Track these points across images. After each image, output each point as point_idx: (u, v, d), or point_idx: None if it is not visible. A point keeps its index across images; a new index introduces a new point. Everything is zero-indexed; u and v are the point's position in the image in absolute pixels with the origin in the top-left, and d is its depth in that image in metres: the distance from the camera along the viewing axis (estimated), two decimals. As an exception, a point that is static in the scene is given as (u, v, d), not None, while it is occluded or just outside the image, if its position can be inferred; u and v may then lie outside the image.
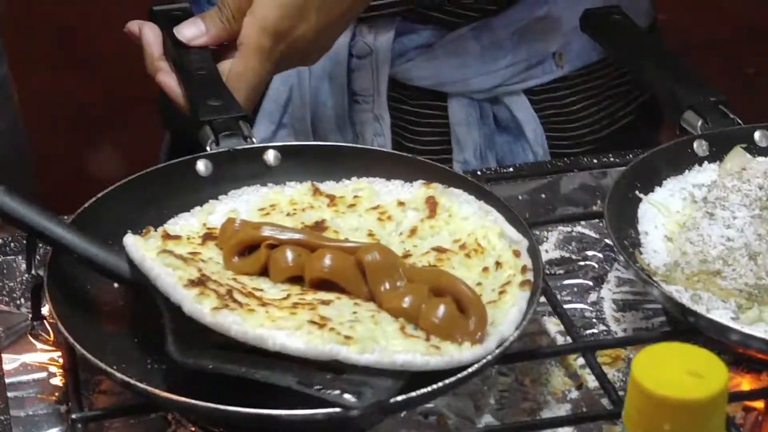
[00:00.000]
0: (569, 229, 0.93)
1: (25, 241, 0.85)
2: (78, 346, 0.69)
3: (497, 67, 1.09)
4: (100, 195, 0.82)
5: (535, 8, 1.08)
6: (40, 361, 0.79)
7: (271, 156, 0.87)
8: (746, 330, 0.74)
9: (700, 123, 0.92)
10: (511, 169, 0.99)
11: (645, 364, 0.55)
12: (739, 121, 0.93)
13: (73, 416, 0.70)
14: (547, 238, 0.93)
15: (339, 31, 0.92)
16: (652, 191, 0.88)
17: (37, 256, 0.85)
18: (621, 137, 1.17)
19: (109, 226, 0.80)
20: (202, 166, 0.85)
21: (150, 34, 0.95)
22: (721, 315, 0.76)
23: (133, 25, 0.96)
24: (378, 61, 1.09)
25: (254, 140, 0.87)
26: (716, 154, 0.91)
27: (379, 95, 1.09)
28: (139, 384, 0.67)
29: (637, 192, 0.87)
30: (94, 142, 2.49)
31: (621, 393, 0.75)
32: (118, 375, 0.67)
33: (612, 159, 0.99)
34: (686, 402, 0.54)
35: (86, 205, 0.81)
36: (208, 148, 0.86)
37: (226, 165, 0.85)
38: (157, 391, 0.67)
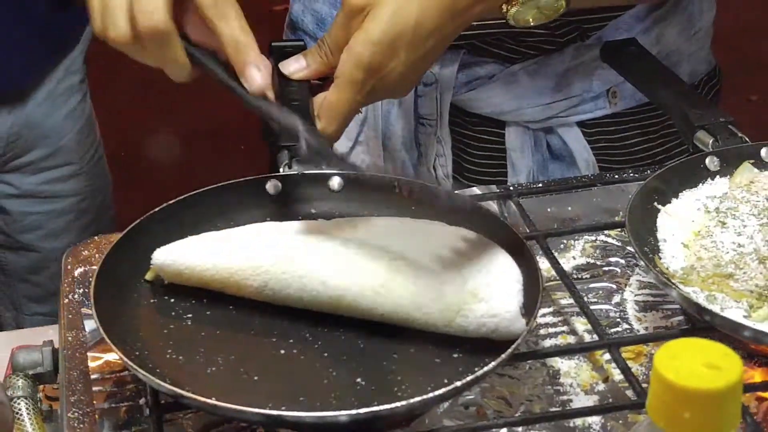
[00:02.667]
0: (594, 237, 0.91)
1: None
2: (113, 346, 0.69)
3: (551, 101, 1.07)
4: (176, 199, 0.81)
5: (591, 48, 1.06)
6: (119, 357, 0.78)
7: (335, 182, 0.85)
8: (758, 327, 0.73)
9: (711, 141, 0.91)
10: (540, 185, 0.97)
11: (666, 357, 0.53)
12: (747, 139, 0.91)
13: (150, 408, 0.70)
14: (573, 246, 0.91)
15: (425, 67, 0.90)
16: (669, 203, 0.86)
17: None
18: None
19: (178, 228, 0.79)
20: (271, 186, 0.84)
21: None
22: (734, 314, 0.75)
23: None
24: (442, 90, 1.08)
25: (323, 167, 0.86)
26: (726, 169, 0.89)
27: (441, 120, 1.08)
28: (173, 388, 0.66)
29: (655, 203, 0.85)
30: (163, 169, 2.52)
31: (644, 385, 0.73)
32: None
33: (632, 174, 0.97)
34: (705, 392, 0.52)
35: (163, 205, 0.80)
36: (281, 170, 0.85)
37: (293, 187, 0.85)
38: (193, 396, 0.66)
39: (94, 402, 0.74)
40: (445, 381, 0.67)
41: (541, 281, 0.73)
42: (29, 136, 1.47)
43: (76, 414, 0.73)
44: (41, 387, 0.86)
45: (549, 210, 0.94)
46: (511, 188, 0.95)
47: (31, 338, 0.93)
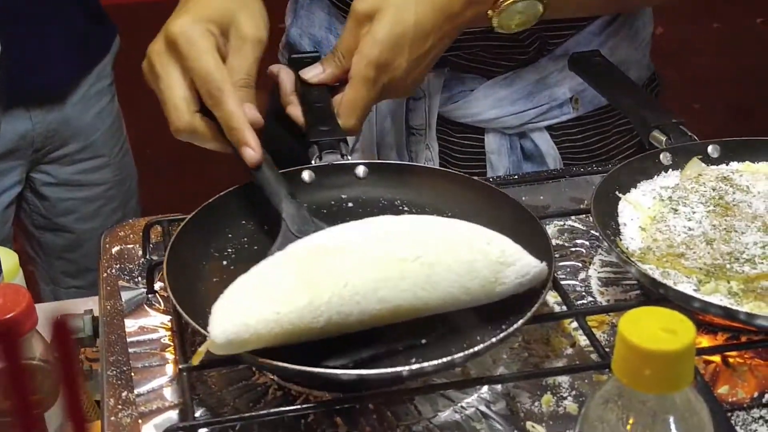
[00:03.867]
0: (562, 222, 0.91)
1: (141, 233, 0.85)
2: (184, 314, 0.68)
3: (524, 109, 1.07)
4: (226, 191, 0.81)
5: (557, 61, 1.06)
6: (153, 324, 0.78)
7: (360, 170, 0.86)
8: (705, 299, 0.73)
9: (665, 139, 0.91)
10: (516, 177, 0.97)
11: (629, 323, 0.54)
12: (695, 137, 0.91)
13: (180, 366, 0.70)
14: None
15: (427, 64, 0.91)
16: (629, 192, 0.86)
17: (150, 245, 0.85)
18: None
19: (234, 214, 0.81)
20: (306, 175, 0.85)
21: (285, 76, 0.95)
22: (685, 287, 0.75)
23: (275, 68, 0.97)
24: (430, 103, 1.08)
25: (349, 157, 0.87)
26: (678, 164, 0.89)
27: (430, 129, 1.08)
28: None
29: (616, 192, 0.85)
30: (189, 166, 2.50)
31: (606, 350, 0.73)
32: (194, 324, 0.67)
33: (596, 167, 0.97)
34: (663, 352, 0.52)
35: (218, 195, 0.81)
36: (313, 162, 0.86)
37: (325, 175, 0.85)
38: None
39: (130, 362, 0.74)
40: (477, 338, 0.68)
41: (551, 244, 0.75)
42: (65, 132, 1.48)
43: (114, 372, 0.73)
44: (82, 350, 0.87)
45: (523, 198, 0.94)
46: (491, 180, 0.95)
47: (70, 309, 0.93)
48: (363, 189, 0.85)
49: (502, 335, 0.67)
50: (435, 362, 0.65)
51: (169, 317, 0.79)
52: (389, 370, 0.65)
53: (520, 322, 0.67)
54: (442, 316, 0.70)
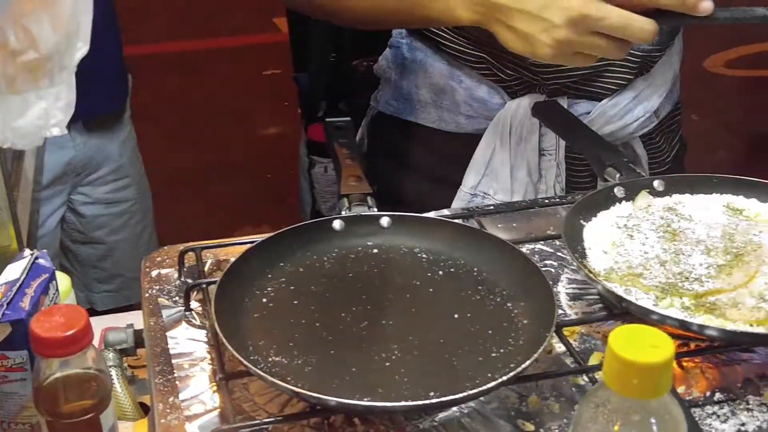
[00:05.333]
0: (533, 246, 0.90)
1: (176, 258, 0.83)
2: (221, 334, 0.67)
3: (629, 122, 1.06)
4: (269, 235, 0.80)
5: (646, 79, 1.07)
6: (191, 338, 0.76)
7: (385, 221, 0.84)
8: (663, 312, 0.73)
9: (617, 175, 0.90)
10: (491, 207, 0.96)
11: (619, 339, 0.53)
12: (643, 173, 0.91)
13: (219, 376, 0.68)
14: (519, 253, 0.90)
15: None
16: (590, 221, 0.86)
17: (184, 269, 0.83)
18: None
19: (272, 259, 0.79)
20: (337, 224, 0.83)
21: None
22: (645, 303, 0.74)
23: None
24: None
25: (375, 209, 0.84)
26: (630, 196, 0.89)
27: (559, 149, 1.06)
28: (252, 367, 0.66)
29: (581, 221, 0.85)
30: (200, 196, 2.50)
31: (581, 356, 0.73)
32: (239, 356, 0.66)
33: (561, 200, 0.97)
34: (648, 364, 0.51)
35: (259, 240, 0.79)
36: (343, 212, 0.84)
37: (352, 225, 0.83)
38: (277, 381, 0.65)
39: (174, 371, 0.71)
40: (489, 375, 0.67)
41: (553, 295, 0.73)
42: (99, 157, 1.50)
43: (161, 380, 0.70)
44: (125, 358, 0.84)
45: (499, 225, 0.93)
46: (472, 209, 0.94)
47: (112, 322, 0.91)
48: (386, 237, 0.83)
49: (512, 374, 0.65)
50: (461, 395, 0.64)
51: (204, 332, 0.76)
52: (416, 403, 0.64)
53: (528, 362, 0.66)
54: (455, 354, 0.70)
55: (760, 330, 0.70)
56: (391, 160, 1.16)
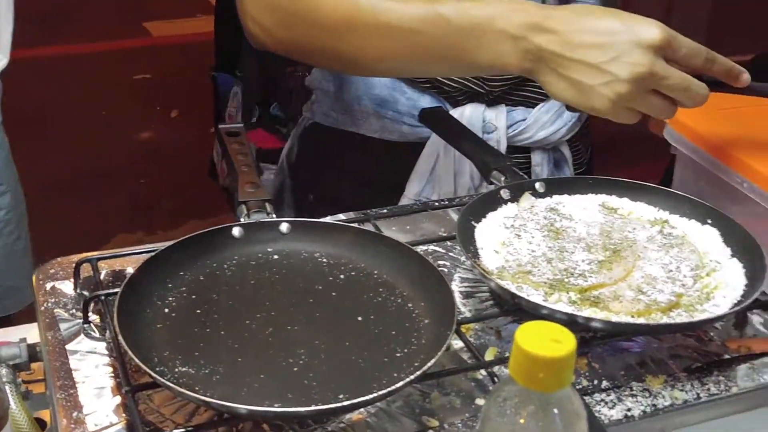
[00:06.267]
0: (426, 247, 0.92)
1: (72, 270, 0.80)
2: (125, 346, 0.65)
3: (559, 127, 1.10)
4: (170, 243, 0.77)
5: None
6: (91, 350, 0.73)
7: (284, 227, 0.83)
8: (552, 306, 0.75)
9: (503, 178, 0.93)
10: (385, 211, 0.97)
11: (524, 334, 0.54)
12: (526, 176, 0.94)
13: (125, 389, 0.65)
14: (413, 254, 0.91)
15: None
16: (480, 221, 0.88)
17: (80, 281, 0.80)
18: None
19: (172, 268, 0.77)
20: (236, 231, 0.81)
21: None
22: (536, 298, 0.77)
23: None
24: (500, 134, 1.07)
25: (274, 216, 0.83)
26: (515, 198, 0.92)
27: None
28: (160, 378, 0.64)
29: (472, 222, 0.87)
30: (74, 203, 2.40)
31: (478, 351, 0.75)
32: (146, 369, 0.64)
33: (451, 202, 0.99)
34: (552, 358, 0.53)
35: (154, 254, 0.76)
36: (242, 219, 0.82)
37: (253, 232, 0.82)
38: (176, 387, 0.64)
39: (76, 385, 0.68)
40: (395, 375, 0.67)
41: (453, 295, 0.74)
42: None
43: (63, 395, 0.67)
44: (18, 374, 0.80)
45: (393, 228, 0.95)
46: (368, 213, 0.95)
47: (3, 337, 0.86)
48: (286, 243, 0.82)
49: (419, 372, 0.66)
50: (370, 396, 0.64)
51: (104, 344, 0.74)
52: (327, 406, 0.63)
53: (433, 360, 0.67)
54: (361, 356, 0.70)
55: (640, 320, 0.74)
56: (331, 169, 1.15)
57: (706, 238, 0.85)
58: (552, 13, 0.84)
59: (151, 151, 3.02)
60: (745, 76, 0.85)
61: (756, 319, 0.81)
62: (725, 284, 0.79)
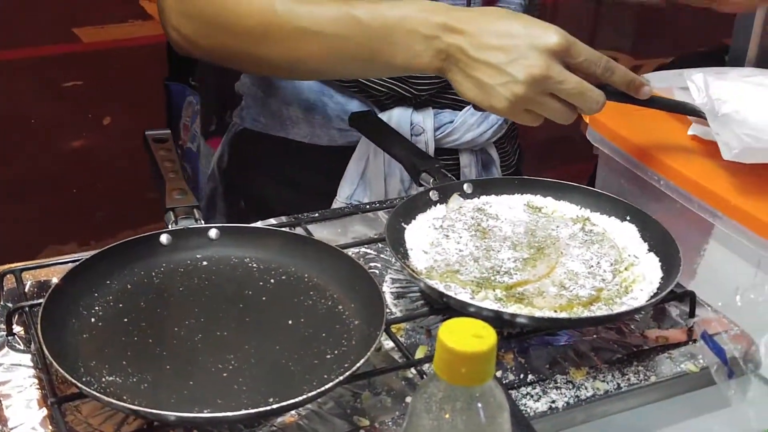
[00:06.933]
0: (357, 249, 0.92)
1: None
2: (50, 357, 0.64)
3: (486, 129, 1.12)
4: (97, 251, 0.76)
5: None
6: (16, 363, 0.72)
7: (213, 233, 0.82)
8: (479, 304, 0.77)
9: (431, 180, 0.94)
10: (317, 214, 0.98)
11: (447, 331, 0.55)
12: (454, 178, 0.96)
13: (51, 400, 0.64)
14: (344, 257, 0.92)
15: None
16: (410, 223, 0.89)
17: (3, 292, 0.78)
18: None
19: (98, 277, 0.76)
20: (164, 238, 0.81)
21: None
22: (463, 296, 0.78)
23: None
24: (428, 136, 1.08)
25: (202, 222, 0.83)
26: (443, 199, 0.93)
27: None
28: (86, 389, 0.63)
29: (402, 223, 0.88)
30: (3, 214, 2.33)
31: (407, 350, 0.76)
32: (71, 379, 0.63)
33: (381, 204, 1.00)
34: (474, 353, 0.54)
35: (79, 263, 0.75)
36: (170, 226, 0.82)
37: (181, 238, 0.81)
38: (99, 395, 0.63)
39: (1, 398, 0.67)
40: (325, 377, 0.68)
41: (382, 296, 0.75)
42: None
43: (-13, 410, 0.66)
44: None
45: (325, 232, 0.95)
46: (299, 217, 0.95)
47: None
48: (215, 249, 0.82)
49: (348, 373, 0.67)
50: (300, 398, 0.64)
51: (29, 356, 0.72)
52: (257, 410, 0.63)
53: (362, 360, 0.68)
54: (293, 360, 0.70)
55: (563, 315, 0.77)
56: (261, 175, 1.14)
57: (625, 234, 0.88)
58: (462, 14, 0.86)
59: (83, 159, 2.96)
60: (646, 89, 0.88)
61: (673, 311, 0.84)
62: (643, 278, 0.81)
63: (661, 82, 1.05)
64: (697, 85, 0.93)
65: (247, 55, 0.94)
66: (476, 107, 0.91)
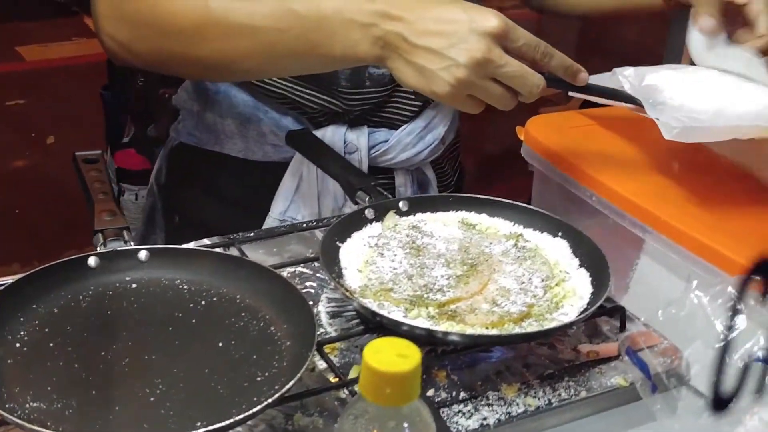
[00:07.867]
0: (293, 269, 0.92)
1: None
2: None
3: (421, 150, 1.12)
4: (23, 275, 0.74)
5: (435, 108, 1.12)
6: None
7: (143, 255, 0.81)
8: (411, 323, 0.76)
9: (367, 198, 0.94)
10: (252, 234, 0.97)
11: (372, 352, 0.55)
12: (389, 196, 0.96)
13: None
14: (280, 277, 0.91)
15: None
16: (345, 242, 0.89)
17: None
18: None
19: (24, 301, 0.74)
20: (92, 261, 0.79)
21: None
22: (396, 315, 0.78)
23: None
24: (362, 154, 1.08)
25: (131, 244, 0.81)
26: (379, 217, 0.93)
27: None
28: (9, 416, 0.62)
29: (337, 242, 0.88)
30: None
31: (341, 371, 0.75)
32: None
33: (318, 223, 0.99)
34: (398, 373, 0.54)
35: (4, 287, 0.73)
36: (98, 248, 0.80)
37: (110, 261, 0.80)
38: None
39: None
40: (255, 399, 0.67)
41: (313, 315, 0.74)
42: None
43: None
44: None
45: (260, 251, 0.94)
46: (234, 237, 0.94)
47: None
48: (145, 271, 0.80)
49: (276, 395, 0.66)
50: (227, 422, 0.63)
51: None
52: None
53: (291, 382, 0.67)
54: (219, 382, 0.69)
55: (494, 332, 0.77)
56: (196, 190, 1.13)
57: (557, 250, 0.89)
58: (400, 1, 0.86)
59: (26, 179, 2.90)
60: (583, 75, 0.89)
61: (604, 325, 0.85)
62: (573, 293, 0.82)
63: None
64: (630, 79, 0.94)
65: (183, 56, 0.92)
66: (419, 95, 0.90)
